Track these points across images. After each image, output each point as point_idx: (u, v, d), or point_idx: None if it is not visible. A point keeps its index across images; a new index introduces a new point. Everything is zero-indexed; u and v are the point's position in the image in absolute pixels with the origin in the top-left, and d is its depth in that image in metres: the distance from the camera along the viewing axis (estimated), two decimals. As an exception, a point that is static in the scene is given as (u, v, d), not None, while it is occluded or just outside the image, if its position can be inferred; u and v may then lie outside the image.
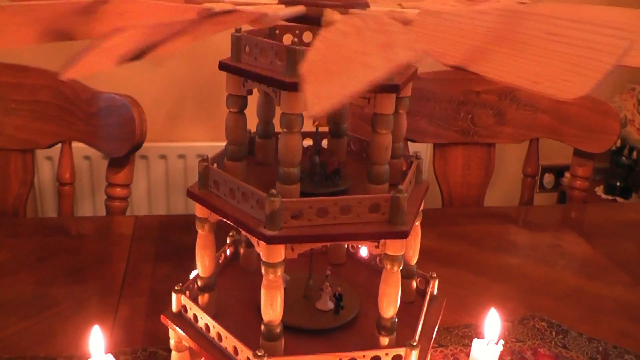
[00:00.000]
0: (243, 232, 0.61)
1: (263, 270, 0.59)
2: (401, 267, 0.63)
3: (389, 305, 0.63)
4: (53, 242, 1.29)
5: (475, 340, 0.82)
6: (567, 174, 1.91)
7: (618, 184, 2.34)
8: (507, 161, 2.26)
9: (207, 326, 0.67)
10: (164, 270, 1.17)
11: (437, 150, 1.62)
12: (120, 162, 1.42)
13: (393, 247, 0.61)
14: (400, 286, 0.64)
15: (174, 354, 0.73)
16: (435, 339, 1.02)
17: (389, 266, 0.62)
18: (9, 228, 1.32)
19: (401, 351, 0.63)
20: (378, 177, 0.62)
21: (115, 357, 0.81)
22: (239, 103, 0.62)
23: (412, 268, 0.75)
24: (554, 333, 1.06)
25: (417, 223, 0.73)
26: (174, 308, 0.70)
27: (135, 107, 1.37)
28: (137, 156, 2.28)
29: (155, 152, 2.27)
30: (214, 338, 0.66)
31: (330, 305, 0.71)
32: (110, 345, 0.78)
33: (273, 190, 0.56)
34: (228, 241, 0.81)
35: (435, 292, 0.78)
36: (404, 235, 0.59)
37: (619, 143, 2.31)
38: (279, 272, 0.59)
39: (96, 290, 1.15)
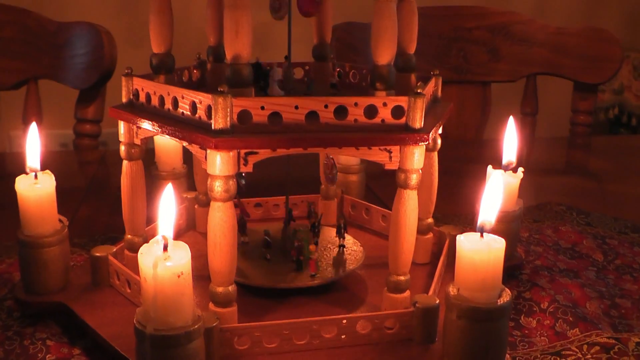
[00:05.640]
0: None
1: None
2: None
3: (385, 45, 0.52)
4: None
5: (490, 169, 0.69)
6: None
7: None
8: (505, 103, 2.16)
9: (161, 99, 0.55)
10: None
11: (430, 88, 1.52)
12: (89, 95, 1.30)
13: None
14: (396, 16, 0.52)
15: (124, 164, 0.60)
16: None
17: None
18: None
19: (402, 101, 0.51)
20: None
21: (71, 245, 0.68)
22: None
23: (410, 58, 0.64)
24: (574, 214, 0.93)
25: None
26: (124, 97, 0.58)
27: (104, 33, 1.27)
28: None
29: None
30: (169, 109, 0.54)
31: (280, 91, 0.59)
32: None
33: None
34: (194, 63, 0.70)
35: (439, 95, 0.66)
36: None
37: (616, 111, 2.23)
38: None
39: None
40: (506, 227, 0.69)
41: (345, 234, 0.67)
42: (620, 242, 0.84)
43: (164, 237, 0.43)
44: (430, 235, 0.69)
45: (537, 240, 0.84)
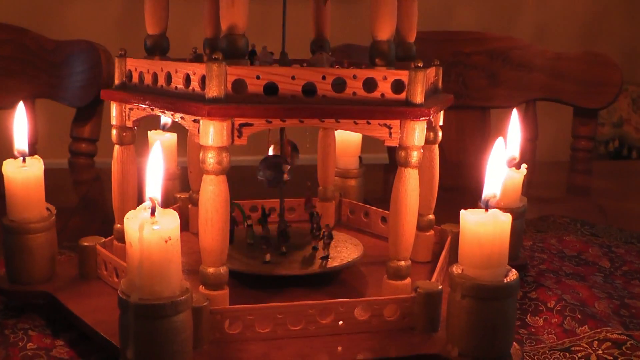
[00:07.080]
0: None
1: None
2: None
3: (384, 19, 0.51)
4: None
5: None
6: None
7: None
8: (505, 127, 2.15)
9: (155, 77, 0.53)
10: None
11: (429, 112, 1.51)
12: (86, 113, 1.29)
13: None
14: (396, 4, 0.51)
15: (115, 149, 0.58)
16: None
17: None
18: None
19: (403, 75, 0.50)
20: None
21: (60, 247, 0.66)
22: None
23: (410, 47, 0.63)
24: (578, 225, 0.91)
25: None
26: (116, 79, 0.57)
27: (102, 50, 1.27)
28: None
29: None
30: (162, 85, 0.52)
31: None
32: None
33: None
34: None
35: (440, 85, 0.64)
36: None
37: (616, 143, 2.22)
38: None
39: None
40: (510, 224, 0.66)
41: (333, 233, 0.64)
42: (627, 250, 0.81)
43: (152, 200, 0.41)
44: (432, 232, 0.67)
45: (541, 248, 0.81)
